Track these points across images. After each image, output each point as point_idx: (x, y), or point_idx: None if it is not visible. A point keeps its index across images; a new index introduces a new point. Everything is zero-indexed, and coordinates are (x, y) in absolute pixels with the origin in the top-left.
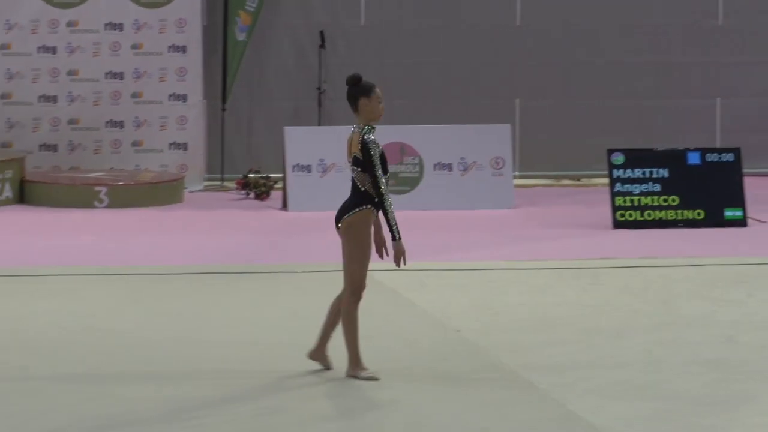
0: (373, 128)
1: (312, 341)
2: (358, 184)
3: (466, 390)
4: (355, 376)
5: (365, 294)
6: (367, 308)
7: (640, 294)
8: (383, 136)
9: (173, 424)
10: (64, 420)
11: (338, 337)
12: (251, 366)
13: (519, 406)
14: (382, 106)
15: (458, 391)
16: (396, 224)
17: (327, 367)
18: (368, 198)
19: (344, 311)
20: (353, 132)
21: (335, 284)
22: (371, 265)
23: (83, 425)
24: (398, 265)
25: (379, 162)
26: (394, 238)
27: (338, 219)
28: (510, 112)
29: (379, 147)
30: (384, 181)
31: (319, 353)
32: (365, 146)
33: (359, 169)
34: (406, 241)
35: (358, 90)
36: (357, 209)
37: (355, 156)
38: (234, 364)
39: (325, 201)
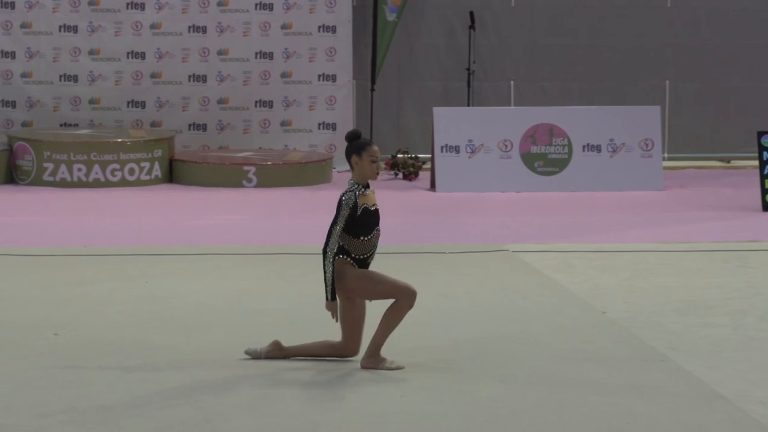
0: (363, 188)
1: (460, 319)
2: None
3: (612, 372)
4: (374, 367)
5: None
6: (514, 290)
7: None
8: (533, 116)
9: (320, 400)
10: (210, 398)
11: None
12: (397, 345)
13: (665, 389)
14: (375, 166)
15: (605, 372)
16: (329, 288)
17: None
18: (343, 251)
19: (394, 309)
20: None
21: (484, 265)
22: (518, 246)
23: (231, 402)
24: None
25: (342, 223)
26: (326, 298)
27: None
28: (660, 93)
29: (358, 208)
30: (336, 243)
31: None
32: (338, 203)
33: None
34: (555, 224)
35: (351, 147)
36: (336, 258)
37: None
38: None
39: (473, 182)
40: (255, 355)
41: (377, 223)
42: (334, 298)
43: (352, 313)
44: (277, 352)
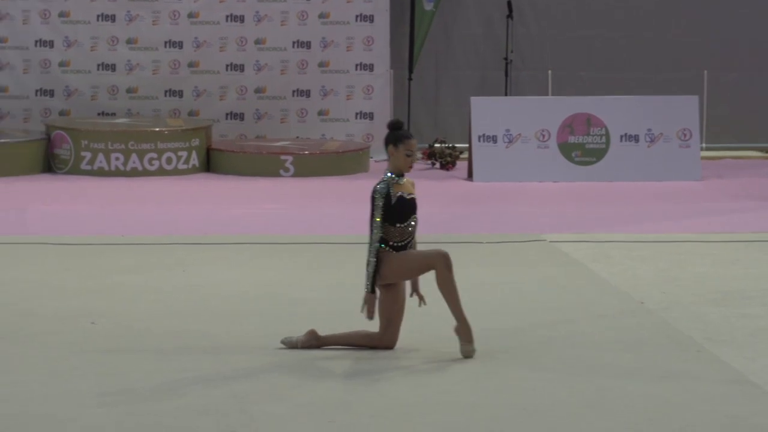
0: (396, 177)
1: (498, 308)
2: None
3: (649, 361)
4: (460, 340)
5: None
6: (552, 280)
7: None
8: (571, 106)
9: (357, 389)
10: (245, 386)
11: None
12: (435, 333)
13: (702, 378)
14: (410, 159)
15: (642, 362)
16: (369, 279)
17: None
18: (381, 240)
19: (440, 280)
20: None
21: (521, 255)
22: (555, 236)
23: (267, 390)
24: (364, 313)
25: (379, 213)
26: (366, 289)
27: None
28: (698, 83)
29: (392, 197)
30: (379, 233)
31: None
32: (372, 194)
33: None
34: (592, 214)
35: (389, 137)
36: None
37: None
38: (410, 334)
39: (511, 172)
40: (291, 345)
41: (414, 212)
42: (373, 291)
43: (391, 303)
44: (314, 341)
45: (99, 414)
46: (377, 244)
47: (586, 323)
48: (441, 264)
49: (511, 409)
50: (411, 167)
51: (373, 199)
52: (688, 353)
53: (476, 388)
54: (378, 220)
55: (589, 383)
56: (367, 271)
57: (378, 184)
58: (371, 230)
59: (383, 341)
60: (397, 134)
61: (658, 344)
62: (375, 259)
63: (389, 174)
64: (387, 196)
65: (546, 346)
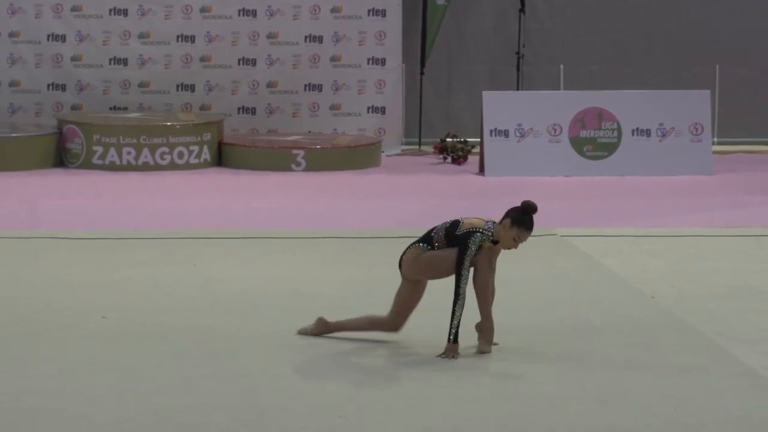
0: (491, 241)
1: (508, 303)
2: (432, 237)
3: (660, 357)
4: (479, 337)
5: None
6: (562, 274)
7: None
8: (583, 100)
9: (370, 385)
10: (258, 382)
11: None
12: (437, 332)
13: (713, 374)
14: (514, 244)
15: (652, 357)
16: (456, 329)
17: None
18: (428, 242)
19: (475, 278)
20: (478, 220)
21: (533, 249)
22: (566, 231)
23: (280, 386)
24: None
25: (469, 262)
26: (448, 339)
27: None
28: (710, 77)
29: (475, 253)
30: (465, 282)
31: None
32: (468, 236)
33: (444, 237)
34: (604, 208)
35: (514, 213)
36: (412, 245)
37: (456, 232)
38: (420, 329)
39: (522, 166)
40: (303, 333)
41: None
42: (456, 340)
43: (410, 294)
44: (323, 328)
45: (110, 409)
46: (465, 296)
47: (596, 317)
48: (483, 261)
49: (520, 404)
50: (509, 249)
51: (466, 244)
52: (698, 348)
53: (486, 383)
54: (465, 271)
55: (598, 377)
56: (453, 322)
57: (475, 234)
58: (459, 280)
59: (392, 325)
60: (522, 218)
61: (668, 339)
62: (462, 311)
63: (491, 234)
64: (478, 247)
65: (556, 341)
